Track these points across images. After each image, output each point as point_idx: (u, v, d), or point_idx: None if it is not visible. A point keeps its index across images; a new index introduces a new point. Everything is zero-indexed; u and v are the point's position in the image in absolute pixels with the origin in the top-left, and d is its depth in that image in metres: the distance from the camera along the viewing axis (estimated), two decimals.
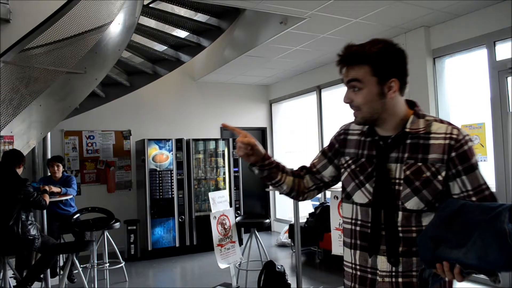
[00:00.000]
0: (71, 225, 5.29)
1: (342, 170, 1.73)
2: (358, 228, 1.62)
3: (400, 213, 1.50)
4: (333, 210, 4.30)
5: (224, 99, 8.76)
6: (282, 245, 7.61)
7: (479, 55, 5.03)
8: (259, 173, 1.73)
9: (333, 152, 1.79)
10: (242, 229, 7.42)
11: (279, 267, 4.68)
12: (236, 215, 7.29)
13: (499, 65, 4.73)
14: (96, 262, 5.23)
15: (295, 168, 1.90)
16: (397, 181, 1.51)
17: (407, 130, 1.53)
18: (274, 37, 5.72)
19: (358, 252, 1.62)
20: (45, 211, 5.10)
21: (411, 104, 1.61)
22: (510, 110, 4.64)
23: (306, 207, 7.66)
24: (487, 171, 4.72)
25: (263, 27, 5.89)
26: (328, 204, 6.31)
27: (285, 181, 1.79)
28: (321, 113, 7.72)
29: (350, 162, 1.68)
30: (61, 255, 5.52)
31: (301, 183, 1.84)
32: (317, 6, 4.67)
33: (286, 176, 1.79)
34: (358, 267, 1.63)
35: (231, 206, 7.42)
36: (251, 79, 8.57)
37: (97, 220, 5.50)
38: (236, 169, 7.70)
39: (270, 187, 2.07)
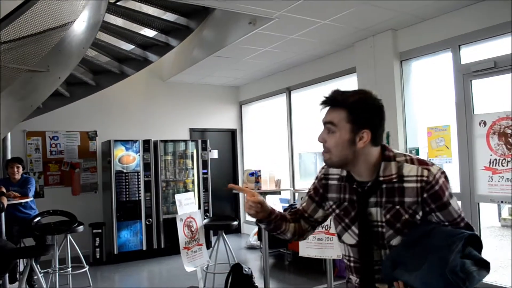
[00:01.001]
0: (31, 229, 5.09)
1: (328, 213, 1.86)
2: (352, 264, 1.75)
3: (388, 250, 1.62)
4: None
5: (193, 100, 8.65)
6: (251, 247, 7.55)
7: (445, 59, 5.10)
8: (266, 227, 1.84)
9: (319, 196, 1.87)
10: (211, 231, 7.33)
11: (246, 269, 4.62)
12: (205, 217, 7.20)
13: (463, 68, 4.81)
14: (58, 266, 5.05)
15: (288, 212, 1.99)
16: (379, 223, 1.61)
17: (381, 179, 1.60)
18: (243, 38, 5.67)
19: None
20: (3, 214, 4.89)
21: (382, 147, 1.66)
22: (474, 113, 4.72)
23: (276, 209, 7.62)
24: (452, 172, 4.78)
25: (232, 28, 5.84)
26: (296, 206, 6.30)
27: (288, 229, 1.88)
28: (291, 114, 7.72)
29: (334, 206, 1.77)
30: (22, 260, 5.31)
31: (300, 226, 1.93)
32: (286, 6, 4.64)
33: (289, 224, 1.88)
34: None
35: (199, 208, 7.34)
36: (221, 80, 8.50)
37: (59, 224, 5.32)
38: (205, 171, 7.61)
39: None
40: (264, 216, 1.78)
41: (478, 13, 4.64)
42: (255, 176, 4.54)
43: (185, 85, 8.53)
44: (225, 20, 5.86)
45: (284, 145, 8.00)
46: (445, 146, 5.02)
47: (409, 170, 1.57)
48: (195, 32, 6.36)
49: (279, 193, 4.63)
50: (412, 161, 1.60)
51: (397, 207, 1.57)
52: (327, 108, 1.62)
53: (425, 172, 1.55)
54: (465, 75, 4.79)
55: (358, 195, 1.66)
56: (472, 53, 4.82)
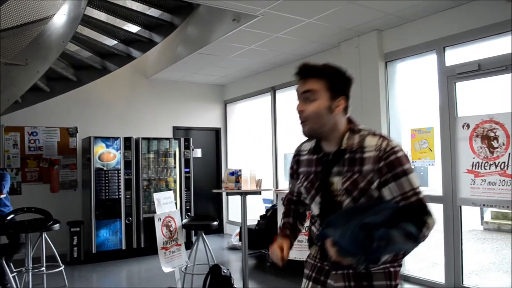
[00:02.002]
0: (5, 227, 4.94)
1: (299, 187, 1.94)
2: (318, 233, 1.83)
3: None
4: (281, 212, 4.20)
5: (177, 98, 8.53)
6: (233, 248, 7.46)
7: (429, 60, 5.07)
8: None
9: (295, 173, 1.97)
10: (192, 231, 7.22)
11: (225, 271, 4.53)
12: (187, 216, 7.10)
13: (448, 70, 4.78)
14: (31, 266, 4.90)
15: (284, 210, 2.13)
16: (339, 192, 1.68)
17: (343, 147, 1.70)
18: (227, 35, 5.59)
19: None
20: None
21: (349, 121, 1.76)
22: (458, 115, 4.69)
23: (259, 210, 7.56)
24: (435, 174, 4.75)
25: (216, 24, 5.75)
26: (277, 206, 6.24)
27: (300, 228, 2.09)
28: (275, 114, 7.64)
29: (303, 179, 1.86)
30: None
31: (301, 214, 2.08)
32: (270, 4, 4.56)
33: (298, 226, 2.08)
34: (318, 260, 1.88)
35: (181, 207, 7.24)
36: (206, 78, 8.39)
37: (34, 221, 5.16)
38: (187, 169, 7.49)
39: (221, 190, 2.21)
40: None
41: (463, 15, 4.62)
42: (236, 175, 4.45)
43: (169, 83, 8.41)
44: (210, 17, 5.77)
45: (268, 145, 7.92)
46: (428, 148, 4.98)
47: (370, 141, 1.66)
48: (179, 29, 6.27)
49: (260, 193, 4.55)
50: (374, 134, 1.70)
51: (356, 175, 1.64)
52: (302, 79, 1.72)
53: (384, 143, 1.64)
54: (449, 77, 4.76)
55: (322, 165, 1.75)
56: (456, 55, 4.80)
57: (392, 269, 1.69)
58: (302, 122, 1.72)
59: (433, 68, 4.96)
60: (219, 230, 8.77)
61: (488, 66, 4.41)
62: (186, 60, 6.83)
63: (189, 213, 7.35)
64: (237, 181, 4.41)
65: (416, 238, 1.50)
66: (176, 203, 7.32)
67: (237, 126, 9.12)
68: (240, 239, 6.96)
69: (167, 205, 4.87)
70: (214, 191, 5.05)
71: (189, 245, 6.59)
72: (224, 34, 5.61)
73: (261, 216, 6.76)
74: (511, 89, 4.18)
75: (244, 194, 4.44)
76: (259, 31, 5.47)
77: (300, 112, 1.72)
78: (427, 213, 1.59)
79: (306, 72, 1.72)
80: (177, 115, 8.45)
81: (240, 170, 4.45)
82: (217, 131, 9.04)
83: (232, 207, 8.97)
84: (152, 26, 6.20)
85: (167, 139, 7.56)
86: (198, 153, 8.29)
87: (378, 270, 1.67)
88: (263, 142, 8.30)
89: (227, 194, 4.67)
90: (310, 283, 1.88)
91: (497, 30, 4.35)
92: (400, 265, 1.74)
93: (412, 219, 1.51)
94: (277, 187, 7.49)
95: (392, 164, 1.61)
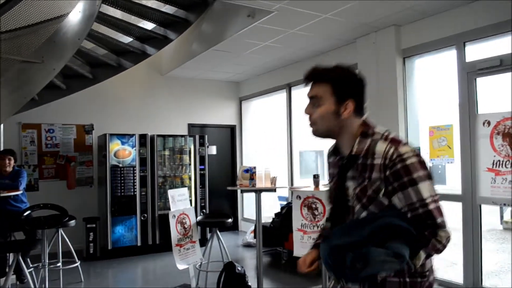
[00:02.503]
0: (21, 223, 4.98)
1: None
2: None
3: None
4: (296, 210, 4.16)
5: (192, 95, 8.53)
6: (248, 245, 7.44)
7: (449, 56, 4.95)
8: None
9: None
10: (207, 229, 7.21)
11: (239, 268, 4.50)
12: (202, 214, 7.10)
13: (468, 66, 4.66)
14: (47, 261, 4.94)
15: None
16: (352, 197, 1.65)
17: (353, 152, 1.65)
18: (242, 31, 5.53)
19: None
20: None
21: (363, 123, 1.70)
22: (478, 112, 4.57)
23: (274, 207, 7.52)
24: (453, 172, 4.65)
25: (231, 21, 5.71)
26: (291, 204, 6.19)
27: None
28: (291, 111, 7.58)
29: (330, 181, 1.87)
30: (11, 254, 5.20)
31: None
32: None
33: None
34: None
35: (196, 204, 7.24)
36: (221, 75, 8.37)
37: (50, 218, 5.20)
38: (202, 166, 7.49)
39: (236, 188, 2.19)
40: None
41: (484, 10, 4.50)
42: (250, 173, 4.41)
43: (184, 80, 8.41)
44: (224, 13, 5.74)
45: (284, 143, 7.86)
46: (447, 146, 4.87)
47: (380, 146, 1.59)
48: (194, 26, 6.24)
49: (274, 190, 4.50)
50: (385, 139, 1.61)
51: (365, 182, 1.60)
52: (310, 83, 1.71)
53: (391, 150, 1.55)
54: (470, 73, 4.64)
55: (339, 169, 1.73)
56: (477, 51, 4.68)
57: (408, 280, 1.57)
58: (311, 126, 1.73)
59: (452, 64, 4.84)
60: (234, 227, 8.76)
61: (510, 62, 4.28)
62: (201, 57, 6.81)
63: (204, 210, 7.35)
64: (252, 178, 4.37)
65: (403, 258, 1.43)
66: (191, 200, 7.34)
67: (252, 123, 9.09)
68: (255, 237, 6.94)
69: (181, 202, 4.86)
70: (229, 188, 5.02)
71: (203, 242, 6.57)
72: (239, 31, 5.56)
73: (276, 214, 6.72)
74: None
75: (258, 191, 4.40)
76: (274, 27, 5.42)
77: (308, 115, 1.72)
78: (438, 226, 1.51)
79: (312, 77, 1.71)
80: (192, 112, 8.45)
81: (254, 168, 4.41)
82: (232, 128, 9.02)
83: (247, 204, 8.95)
84: (167, 23, 6.18)
85: (182, 136, 7.56)
86: (213, 150, 8.28)
87: (394, 280, 1.57)
88: (278, 139, 8.25)
89: (242, 191, 4.61)
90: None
91: None
92: (424, 276, 1.60)
93: (409, 235, 1.47)
94: (292, 184, 7.44)
95: (398, 174, 1.53)
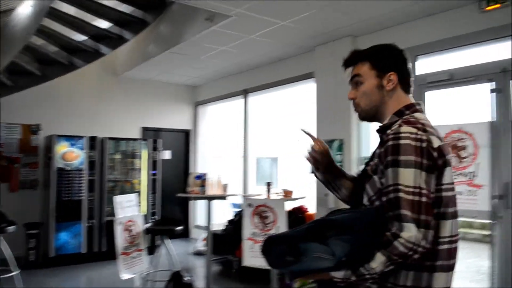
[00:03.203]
0: None
1: None
2: None
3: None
4: (246, 219, 4.07)
5: (147, 97, 8.29)
6: (199, 253, 7.27)
7: None
8: (322, 177, 1.84)
9: None
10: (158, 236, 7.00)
11: (187, 277, 4.36)
12: (152, 220, 6.90)
13: (419, 79, 4.74)
14: None
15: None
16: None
17: (378, 127, 1.60)
18: (200, 35, 5.44)
19: None
20: None
21: (405, 102, 1.59)
22: None
23: (228, 214, 7.40)
24: None
25: (189, 23, 5.60)
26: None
27: (345, 185, 1.82)
28: (247, 118, 7.50)
29: None
30: None
31: None
32: (244, 4, 4.44)
33: (347, 181, 1.82)
34: None
35: (147, 210, 7.02)
36: (177, 78, 8.21)
37: None
38: (155, 171, 7.29)
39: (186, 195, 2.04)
40: (325, 166, 1.77)
41: (436, 24, 4.61)
42: (201, 179, 4.30)
43: (139, 82, 8.17)
44: (183, 15, 5.63)
45: (240, 149, 7.78)
46: None
47: (394, 125, 1.47)
48: (152, 27, 6.12)
49: (226, 198, 4.41)
50: (405, 121, 1.45)
51: (373, 161, 1.51)
52: (350, 69, 1.69)
53: (395, 126, 1.44)
54: (420, 86, 4.72)
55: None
56: (428, 65, 4.78)
57: (389, 285, 1.40)
58: (356, 109, 1.67)
59: None
60: (186, 235, 8.56)
61: (459, 76, 4.39)
62: (157, 59, 6.65)
63: (155, 217, 7.14)
64: (203, 185, 4.26)
65: (335, 256, 1.31)
66: (141, 206, 7.13)
67: (208, 129, 8.95)
68: (206, 244, 6.81)
69: (129, 209, 4.68)
70: (179, 195, 4.87)
71: (154, 250, 6.37)
72: (196, 34, 5.47)
73: (229, 221, 6.61)
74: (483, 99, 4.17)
75: (209, 198, 4.29)
76: (232, 32, 5.35)
77: (352, 99, 1.68)
78: (401, 220, 1.28)
79: (351, 60, 1.69)
80: (146, 115, 8.23)
81: (205, 174, 4.31)
82: (187, 133, 8.84)
83: (199, 211, 8.78)
84: (123, 23, 6.02)
85: (135, 139, 7.36)
86: (167, 155, 8.10)
87: (338, 279, 1.37)
88: (235, 145, 8.17)
89: (192, 198, 4.48)
90: None
91: (470, 40, 4.35)
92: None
93: (347, 232, 1.32)
94: (246, 191, 7.35)
95: (386, 151, 1.39)
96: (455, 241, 1.44)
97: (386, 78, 1.57)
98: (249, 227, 4.05)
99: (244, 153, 7.55)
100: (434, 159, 1.36)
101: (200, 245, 7.28)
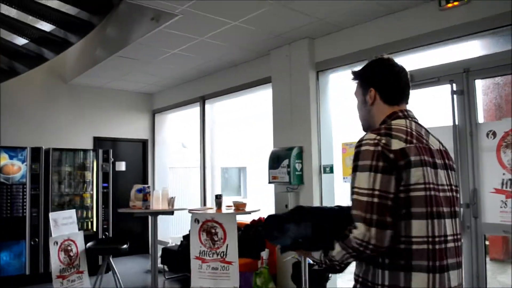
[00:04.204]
0: None
1: None
2: None
3: None
4: (193, 236, 3.69)
5: (100, 105, 7.80)
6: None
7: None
8: None
9: None
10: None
11: None
12: (104, 236, 6.43)
13: None
14: None
15: None
16: None
17: None
18: (146, 36, 5.05)
19: None
20: None
21: (389, 113, 1.68)
22: None
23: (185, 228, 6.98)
24: None
25: (135, 24, 5.22)
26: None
27: None
28: (204, 126, 7.12)
29: None
30: None
31: None
32: (188, 1, 4.09)
33: None
34: None
35: (98, 226, 6.54)
36: (132, 85, 7.76)
37: None
38: (106, 184, 6.80)
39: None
40: None
41: (395, 24, 4.38)
42: (143, 193, 3.90)
43: (91, 89, 7.68)
44: (129, 16, 5.25)
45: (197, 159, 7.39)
46: None
47: None
48: (98, 29, 5.71)
49: (172, 213, 4.03)
50: (375, 128, 1.63)
51: None
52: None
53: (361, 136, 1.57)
54: None
55: None
56: None
57: (369, 284, 1.50)
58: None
59: None
60: (145, 250, 8.07)
61: (419, 78, 4.16)
62: (106, 64, 6.21)
63: (107, 233, 6.66)
64: (145, 199, 3.85)
65: (296, 239, 1.60)
66: (92, 222, 6.65)
67: (167, 138, 8.51)
68: (163, 262, 6.38)
69: (66, 226, 4.24)
70: (120, 210, 4.43)
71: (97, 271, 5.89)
72: (142, 35, 5.08)
73: (184, 236, 6.20)
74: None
75: (153, 214, 3.89)
76: (181, 33, 4.98)
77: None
78: (353, 219, 1.44)
79: (353, 80, 1.79)
80: (99, 124, 7.73)
81: (148, 187, 3.91)
82: (144, 143, 8.37)
83: (160, 225, 8.31)
84: (68, 25, 5.60)
85: (84, 150, 6.87)
86: (122, 166, 7.64)
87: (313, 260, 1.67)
88: (197, 155, 7.74)
89: (134, 215, 4.07)
90: None
91: (430, 40, 4.13)
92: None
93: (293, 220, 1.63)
94: (205, 204, 6.95)
95: (353, 157, 1.54)
96: (442, 242, 1.45)
97: (368, 94, 1.69)
98: (196, 245, 3.67)
99: (202, 163, 7.15)
100: (391, 160, 1.43)
101: (158, 262, 6.82)
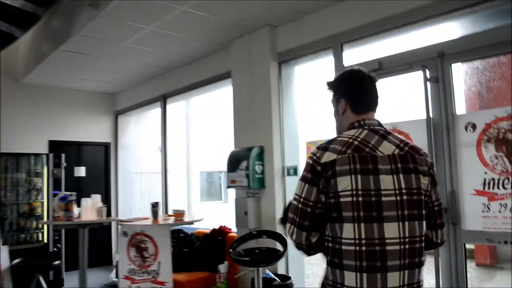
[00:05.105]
0: None
1: None
2: None
3: None
4: (122, 251, 3.12)
5: (57, 107, 7.17)
6: (113, 286, 6.21)
7: (328, 61, 4.25)
8: None
9: None
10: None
11: None
12: (55, 249, 5.84)
13: None
14: None
15: None
16: None
17: None
18: (88, 27, 4.52)
19: None
20: None
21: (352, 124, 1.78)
22: None
23: None
24: None
25: (76, 14, 4.68)
26: None
27: None
28: (165, 126, 6.56)
29: None
30: None
31: None
32: None
33: None
34: None
35: (48, 238, 5.96)
36: (91, 85, 7.16)
37: None
38: (58, 191, 6.16)
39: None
40: None
41: (361, 6, 3.87)
42: (66, 201, 3.34)
43: (45, 89, 7.06)
44: (72, 6, 4.71)
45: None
46: None
47: None
48: (44, 22, 5.20)
49: (101, 225, 3.48)
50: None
51: None
52: None
53: None
54: None
55: None
56: (355, 54, 4.02)
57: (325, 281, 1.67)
58: None
59: (331, 70, 4.14)
60: (108, 262, 7.48)
61: (389, 65, 3.65)
62: (52, 60, 5.63)
63: (59, 245, 6.04)
64: (68, 209, 3.28)
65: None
66: (43, 233, 6.05)
67: (131, 141, 7.93)
68: (117, 276, 5.78)
69: None
70: (42, 222, 3.84)
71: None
72: (83, 25, 4.53)
73: None
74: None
75: (79, 226, 3.32)
76: (124, 21, 4.43)
77: None
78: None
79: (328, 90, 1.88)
80: (56, 127, 7.12)
81: (71, 195, 3.33)
82: (106, 146, 7.78)
83: None
84: (12, 18, 5.07)
85: (36, 154, 6.28)
86: (81, 171, 7.06)
87: None
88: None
89: (57, 227, 3.49)
90: None
91: (400, 22, 3.62)
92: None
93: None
94: (166, 212, 6.37)
95: None
96: (376, 244, 1.51)
97: (340, 104, 1.78)
98: (125, 263, 3.10)
99: (163, 167, 6.58)
100: (318, 172, 1.60)
101: (114, 276, 6.24)
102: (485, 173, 3.16)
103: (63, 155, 6.31)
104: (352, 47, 4.05)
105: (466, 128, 3.26)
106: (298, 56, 4.48)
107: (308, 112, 4.76)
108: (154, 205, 3.41)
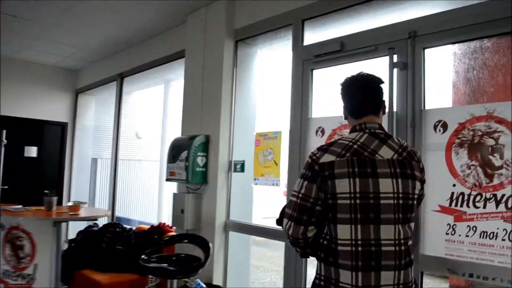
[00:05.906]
0: None
1: None
2: None
3: None
4: None
5: (7, 79, 6.48)
6: None
7: (289, 41, 3.63)
8: None
9: None
10: None
11: None
12: None
13: (304, 52, 3.37)
14: None
15: None
16: None
17: None
18: None
19: None
20: None
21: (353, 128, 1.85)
22: (312, 116, 3.28)
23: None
24: (279, 204, 3.26)
25: None
26: (95, 228, 4.59)
27: None
28: (120, 108, 5.92)
29: None
30: None
31: None
32: None
33: None
34: None
35: None
36: (50, 58, 6.53)
37: None
38: None
39: None
40: None
41: None
42: None
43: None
44: None
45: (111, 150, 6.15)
46: (273, 161, 3.52)
47: None
48: None
49: None
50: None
51: None
52: None
53: None
54: (306, 62, 3.35)
55: None
56: (319, 33, 3.41)
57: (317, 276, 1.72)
58: None
59: (289, 50, 3.53)
60: None
61: (352, 46, 3.04)
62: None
63: None
64: None
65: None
66: None
67: (91, 123, 7.28)
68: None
69: None
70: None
71: None
72: None
73: (70, 240, 4.99)
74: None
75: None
76: None
77: None
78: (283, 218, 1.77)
79: None
80: (5, 101, 6.49)
81: None
82: (62, 126, 7.13)
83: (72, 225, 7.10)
84: None
85: None
86: (33, 151, 6.48)
87: None
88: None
89: None
90: None
91: None
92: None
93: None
94: (113, 206, 5.76)
95: None
96: (372, 245, 1.57)
97: (344, 109, 1.89)
98: None
99: (114, 154, 5.94)
100: (316, 171, 1.66)
101: None
102: (454, 185, 2.53)
103: (4, 131, 5.65)
104: (314, 26, 3.43)
105: (435, 127, 2.65)
106: (256, 34, 3.86)
107: (267, 102, 4.14)
108: (48, 194, 2.78)
